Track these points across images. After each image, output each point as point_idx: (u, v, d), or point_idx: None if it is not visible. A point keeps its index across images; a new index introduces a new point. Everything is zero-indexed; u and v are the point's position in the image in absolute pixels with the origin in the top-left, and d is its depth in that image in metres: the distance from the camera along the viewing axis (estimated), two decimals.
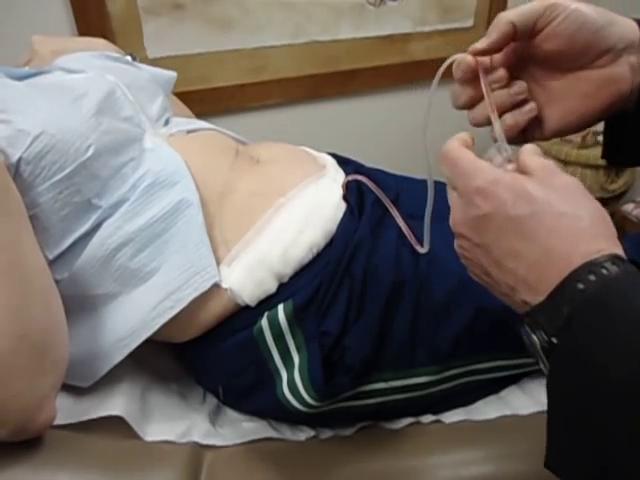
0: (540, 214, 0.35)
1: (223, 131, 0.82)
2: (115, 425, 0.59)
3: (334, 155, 0.81)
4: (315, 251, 0.64)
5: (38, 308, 0.53)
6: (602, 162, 1.62)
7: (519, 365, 0.68)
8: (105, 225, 0.62)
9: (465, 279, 0.63)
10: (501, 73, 0.46)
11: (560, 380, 0.34)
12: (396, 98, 1.59)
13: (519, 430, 0.63)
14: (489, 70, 0.46)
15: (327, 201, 0.68)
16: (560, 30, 0.43)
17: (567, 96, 0.46)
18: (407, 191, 0.76)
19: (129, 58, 0.85)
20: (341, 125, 1.55)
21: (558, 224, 0.35)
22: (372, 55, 1.49)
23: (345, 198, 0.69)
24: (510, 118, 0.47)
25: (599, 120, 0.47)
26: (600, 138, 1.70)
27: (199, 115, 0.98)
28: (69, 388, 0.61)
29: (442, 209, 0.83)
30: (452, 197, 0.41)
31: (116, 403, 0.61)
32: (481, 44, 0.44)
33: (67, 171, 0.58)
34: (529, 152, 0.40)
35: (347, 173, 0.74)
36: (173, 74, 0.87)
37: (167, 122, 0.77)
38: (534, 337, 0.35)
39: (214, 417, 0.68)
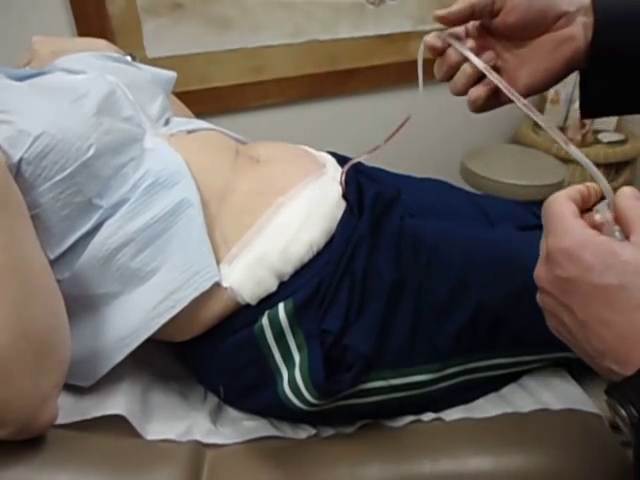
0: (629, 287, 0.34)
1: (223, 131, 0.82)
2: (116, 424, 0.59)
3: (334, 154, 0.82)
4: (315, 249, 0.64)
5: (39, 307, 0.53)
6: (602, 160, 1.63)
7: (518, 363, 0.68)
8: (106, 225, 0.62)
9: (465, 276, 0.63)
10: (470, 43, 0.53)
11: None
12: (396, 97, 1.59)
13: (520, 428, 0.63)
14: (462, 39, 0.54)
15: (327, 199, 0.68)
16: (517, 3, 0.50)
17: (533, 57, 0.52)
18: (407, 189, 0.76)
19: (129, 58, 0.85)
20: (341, 124, 1.55)
21: None
22: (371, 54, 1.49)
23: (345, 196, 0.70)
24: (474, 92, 0.53)
25: (563, 76, 0.53)
26: (599, 136, 1.72)
27: (199, 115, 0.98)
28: (70, 387, 0.61)
29: (441, 206, 0.83)
30: (542, 249, 0.40)
31: (117, 402, 0.61)
32: (441, 12, 0.53)
33: (68, 171, 0.59)
34: (628, 197, 0.37)
35: (347, 172, 0.74)
36: (173, 74, 0.87)
37: (167, 122, 0.77)
38: (622, 411, 0.34)
39: (215, 416, 0.68)
